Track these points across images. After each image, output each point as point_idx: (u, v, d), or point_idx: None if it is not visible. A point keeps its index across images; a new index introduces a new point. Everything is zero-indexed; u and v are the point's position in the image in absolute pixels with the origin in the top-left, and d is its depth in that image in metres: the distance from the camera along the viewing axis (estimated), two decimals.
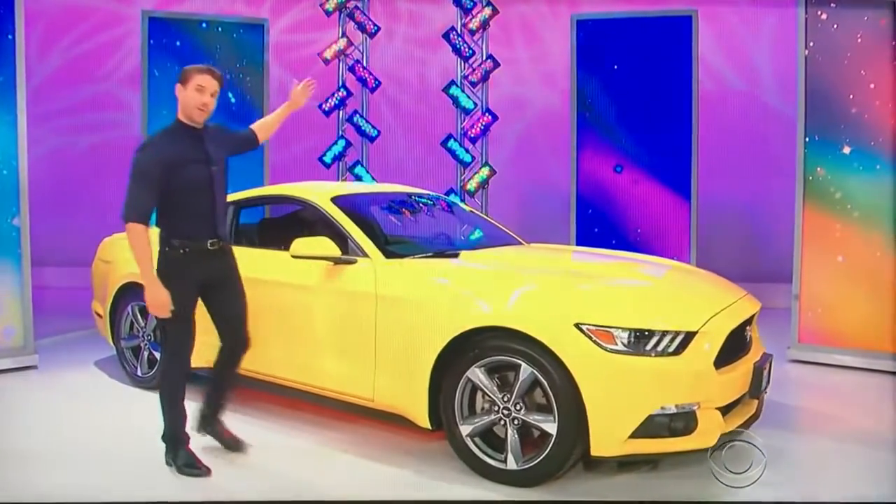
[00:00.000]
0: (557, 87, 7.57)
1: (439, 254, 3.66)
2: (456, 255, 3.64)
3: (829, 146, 4.96)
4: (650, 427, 2.80)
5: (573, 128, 6.42)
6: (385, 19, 7.33)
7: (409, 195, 4.38)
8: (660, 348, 2.85)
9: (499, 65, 6.57)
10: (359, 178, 6.80)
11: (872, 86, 4.81)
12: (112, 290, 4.45)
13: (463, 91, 6.59)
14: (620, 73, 6.30)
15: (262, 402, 4.05)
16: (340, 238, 3.54)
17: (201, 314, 3.25)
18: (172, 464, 3.15)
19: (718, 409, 2.95)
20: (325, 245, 3.41)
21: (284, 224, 4.39)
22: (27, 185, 4.78)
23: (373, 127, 6.85)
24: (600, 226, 6.39)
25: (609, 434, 2.81)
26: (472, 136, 6.55)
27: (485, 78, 6.56)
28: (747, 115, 7.33)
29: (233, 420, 3.80)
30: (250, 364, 3.83)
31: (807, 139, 5.03)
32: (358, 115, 6.86)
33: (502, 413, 2.99)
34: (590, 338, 2.84)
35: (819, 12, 4.96)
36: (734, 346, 3.10)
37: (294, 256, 3.47)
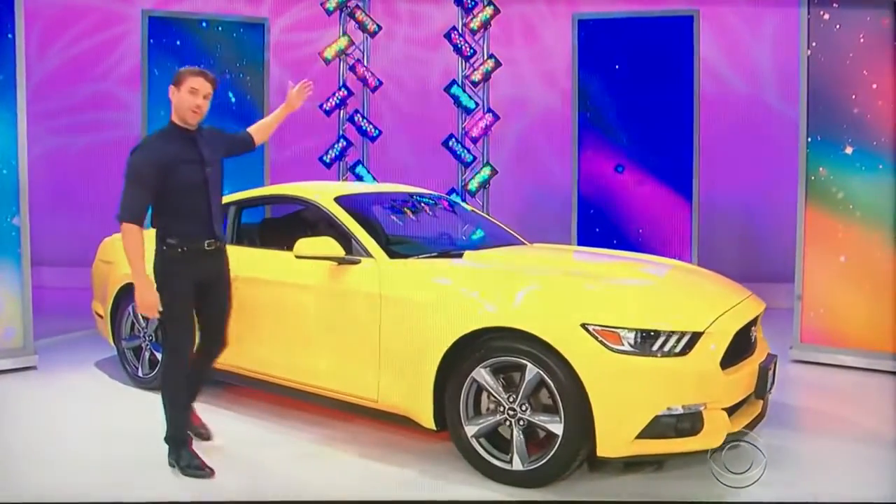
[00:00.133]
0: (559, 87, 7.57)
1: (443, 254, 3.64)
2: (460, 256, 3.62)
3: (831, 146, 4.96)
4: (656, 428, 2.79)
5: (574, 127, 6.42)
6: (386, 19, 7.31)
7: (412, 195, 4.37)
8: (666, 349, 2.84)
9: (500, 64, 6.56)
10: (360, 178, 6.79)
11: (875, 86, 4.81)
12: (113, 291, 4.43)
13: (464, 91, 6.57)
14: (622, 73, 6.30)
15: (264, 402, 4.04)
16: (344, 238, 3.52)
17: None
18: (175, 465, 3.14)
19: (724, 409, 2.94)
20: (329, 245, 3.39)
21: (286, 224, 4.37)
22: (27, 184, 4.75)
23: (374, 127, 6.83)
24: (602, 226, 6.39)
25: (615, 435, 2.80)
26: (474, 135, 6.53)
27: (486, 77, 6.55)
28: (748, 114, 7.34)
29: (233, 420, 3.81)
30: (252, 365, 3.83)
31: (809, 139, 5.03)
32: (359, 115, 6.84)
33: (508, 414, 2.98)
34: (596, 338, 2.82)
35: (821, 12, 4.96)
36: (740, 347, 3.09)
37: (298, 257, 3.45)
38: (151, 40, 6.37)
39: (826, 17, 4.95)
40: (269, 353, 3.74)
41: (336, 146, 6.85)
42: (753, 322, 3.30)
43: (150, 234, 3.15)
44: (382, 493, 3.00)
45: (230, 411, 3.94)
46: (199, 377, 3.37)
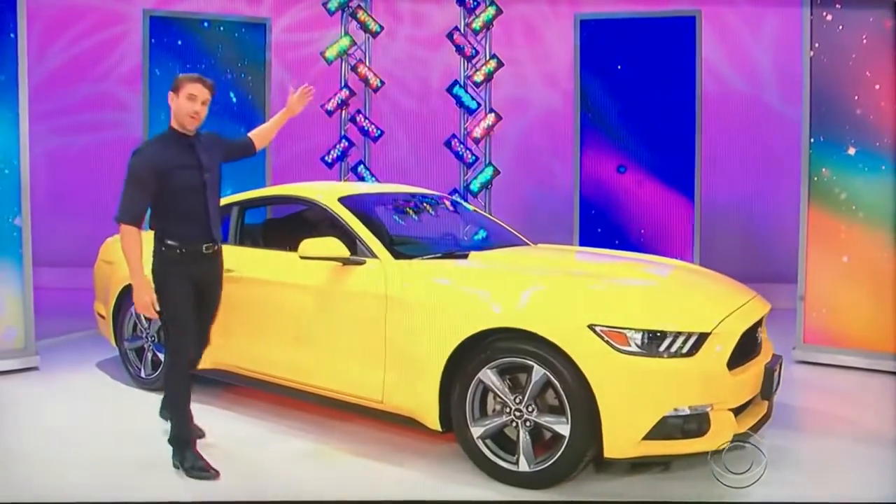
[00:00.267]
0: (560, 87, 7.57)
1: (448, 254, 3.64)
2: (465, 256, 3.62)
3: (834, 147, 4.96)
4: (663, 429, 2.79)
5: (576, 128, 6.42)
6: (388, 19, 7.30)
7: (416, 195, 4.36)
8: (673, 349, 2.84)
9: (502, 64, 6.55)
10: (361, 179, 6.78)
11: (877, 87, 4.81)
12: (115, 292, 4.42)
13: (466, 91, 6.57)
14: (624, 74, 6.30)
15: (264, 402, 4.03)
16: (348, 238, 3.51)
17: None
18: (180, 466, 3.13)
19: (730, 410, 2.94)
20: (333, 246, 3.39)
21: (289, 224, 4.36)
22: (29, 184, 4.74)
23: (376, 127, 6.82)
24: (603, 226, 6.38)
25: (622, 436, 2.80)
26: (476, 136, 6.52)
27: (488, 78, 6.54)
28: (750, 115, 7.34)
29: (233, 420, 3.80)
30: (255, 365, 3.82)
31: (812, 140, 5.03)
32: (361, 115, 6.83)
33: (514, 415, 2.97)
34: (603, 339, 2.82)
35: (824, 13, 4.96)
36: (746, 348, 3.09)
37: (303, 257, 3.44)
38: (153, 40, 6.35)
39: (829, 17, 4.96)
40: (272, 353, 3.73)
41: (338, 146, 6.84)
42: (759, 323, 3.31)
43: (149, 236, 3.17)
44: (386, 494, 2.99)
45: (230, 411, 3.94)
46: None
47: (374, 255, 3.44)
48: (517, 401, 2.96)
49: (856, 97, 4.88)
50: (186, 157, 3.10)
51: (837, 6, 4.92)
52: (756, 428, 3.08)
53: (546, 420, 2.91)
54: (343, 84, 6.86)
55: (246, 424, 3.75)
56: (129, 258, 3.03)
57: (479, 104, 6.57)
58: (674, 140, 6.19)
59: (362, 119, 6.80)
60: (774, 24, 7.34)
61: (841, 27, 4.92)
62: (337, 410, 3.65)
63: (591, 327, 2.84)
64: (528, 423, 2.94)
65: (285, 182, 4.84)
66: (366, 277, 3.40)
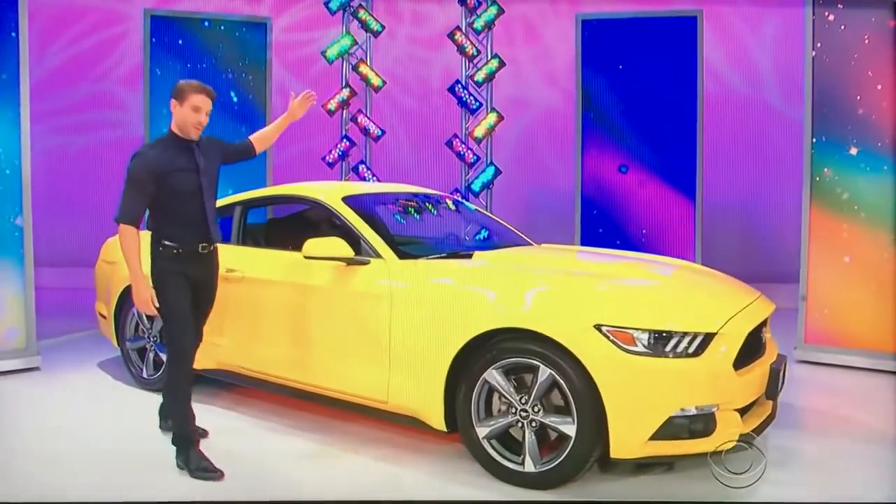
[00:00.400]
0: (562, 87, 7.57)
1: (452, 254, 3.64)
2: (469, 256, 3.61)
3: (836, 147, 4.97)
4: (670, 429, 2.79)
5: (578, 127, 6.42)
6: (388, 18, 7.29)
7: (419, 195, 4.36)
8: (679, 349, 2.83)
9: (504, 64, 6.54)
10: (362, 179, 6.76)
11: (880, 87, 4.82)
12: (116, 292, 4.40)
13: (467, 90, 6.56)
14: (625, 73, 6.30)
15: (265, 401, 4.02)
16: (352, 238, 3.50)
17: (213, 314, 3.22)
18: (185, 467, 3.13)
19: (736, 410, 2.93)
20: (338, 246, 3.38)
21: (292, 224, 4.35)
22: (30, 184, 4.72)
23: (377, 126, 6.81)
24: (605, 226, 6.38)
25: (629, 436, 2.80)
26: (478, 135, 6.51)
27: (490, 77, 6.54)
28: (752, 115, 7.35)
29: (234, 420, 3.79)
30: (258, 366, 3.81)
31: (814, 140, 5.03)
32: (362, 115, 6.82)
33: (520, 415, 2.97)
34: (609, 339, 2.81)
35: (826, 13, 4.97)
36: (751, 348, 3.09)
37: (307, 257, 3.44)
38: (153, 39, 6.33)
39: (831, 17, 4.96)
40: (276, 353, 3.72)
41: (339, 146, 6.82)
42: (764, 323, 3.30)
43: (146, 236, 3.21)
44: (387, 494, 2.98)
45: (231, 411, 3.93)
46: None
47: (378, 255, 3.44)
48: (523, 401, 2.95)
49: (858, 97, 4.88)
50: (184, 160, 3.17)
51: (839, 6, 4.93)
52: (761, 428, 3.08)
53: (552, 420, 2.91)
54: (344, 83, 6.84)
55: (247, 424, 3.75)
56: (127, 257, 3.12)
57: (480, 104, 6.56)
58: (675, 140, 6.19)
59: (363, 118, 6.79)
60: (776, 24, 7.35)
61: (843, 27, 4.93)
62: (338, 410, 3.65)
63: (597, 327, 2.83)
64: (533, 424, 2.94)
65: (286, 182, 4.82)
66: (370, 277, 3.39)
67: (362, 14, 6.73)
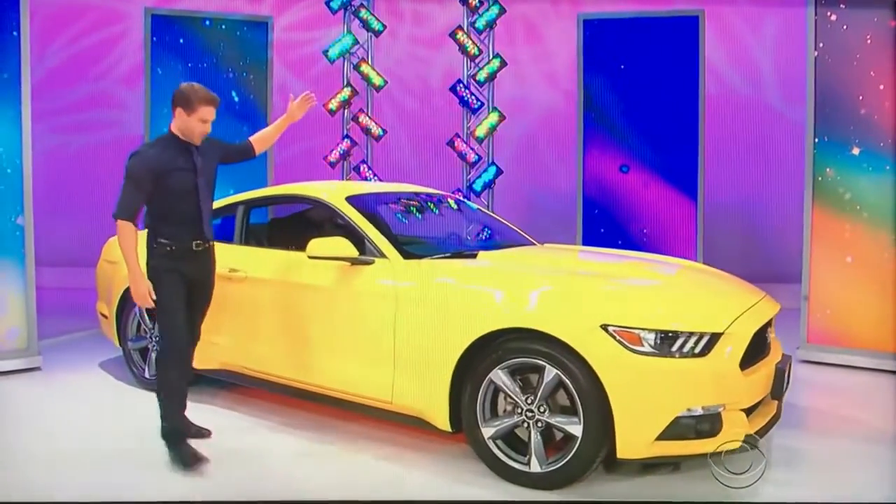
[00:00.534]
0: (563, 87, 7.57)
1: (457, 254, 3.63)
2: (473, 256, 3.60)
3: (838, 147, 4.97)
4: (676, 429, 2.78)
5: (579, 127, 6.42)
6: (389, 18, 7.28)
7: (422, 195, 4.35)
8: (685, 350, 2.83)
9: (506, 64, 6.54)
10: (364, 178, 6.75)
11: (882, 87, 4.82)
12: (118, 291, 4.39)
13: (469, 90, 6.55)
14: (627, 73, 6.30)
15: (265, 401, 4.01)
16: (355, 238, 3.49)
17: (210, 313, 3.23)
18: (178, 461, 3.16)
19: (742, 410, 2.93)
20: (342, 246, 3.37)
21: (294, 224, 4.34)
22: (31, 183, 4.71)
23: (378, 126, 6.80)
24: (606, 226, 6.38)
25: (635, 436, 2.79)
26: (479, 135, 6.51)
27: (491, 77, 6.53)
28: (753, 115, 7.35)
29: (234, 420, 3.78)
30: (261, 366, 3.80)
31: (816, 140, 5.04)
32: (364, 114, 6.81)
33: (525, 415, 2.96)
34: (616, 339, 2.81)
35: (828, 13, 4.97)
36: (757, 348, 3.08)
37: (311, 257, 3.42)
38: (154, 38, 6.32)
39: (833, 18, 4.96)
40: (279, 354, 3.71)
41: (340, 146, 6.81)
42: (769, 323, 3.30)
43: (143, 234, 3.24)
44: (389, 494, 2.97)
45: (232, 410, 3.92)
46: None
47: (382, 255, 3.43)
48: (529, 401, 2.95)
49: (860, 97, 4.88)
50: (182, 160, 3.22)
51: (842, 6, 4.93)
52: (766, 429, 3.08)
53: (558, 420, 2.90)
54: (345, 83, 6.83)
55: (248, 423, 3.74)
56: (125, 252, 3.17)
57: (482, 103, 6.55)
58: (677, 139, 6.20)
59: (365, 118, 6.78)
60: (777, 24, 7.36)
61: (845, 27, 4.93)
62: (340, 410, 3.64)
63: (603, 327, 2.83)
64: (539, 424, 2.93)
65: (287, 181, 4.81)
66: (375, 277, 3.38)
67: (363, 13, 6.72)
